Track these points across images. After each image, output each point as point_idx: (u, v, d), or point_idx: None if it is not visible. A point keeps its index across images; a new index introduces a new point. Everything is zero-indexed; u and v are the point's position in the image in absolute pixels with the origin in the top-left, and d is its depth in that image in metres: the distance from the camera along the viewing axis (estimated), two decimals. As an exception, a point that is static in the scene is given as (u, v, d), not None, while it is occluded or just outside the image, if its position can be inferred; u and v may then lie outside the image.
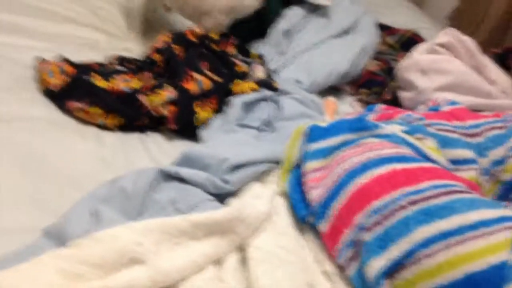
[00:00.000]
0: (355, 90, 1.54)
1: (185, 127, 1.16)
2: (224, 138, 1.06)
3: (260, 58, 1.44)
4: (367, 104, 1.43)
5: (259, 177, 0.98)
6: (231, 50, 1.40)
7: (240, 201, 0.88)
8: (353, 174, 0.84)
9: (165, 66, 1.27)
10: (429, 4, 2.62)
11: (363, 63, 1.55)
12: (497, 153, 1.00)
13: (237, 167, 0.93)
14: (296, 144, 1.00)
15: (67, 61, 1.20)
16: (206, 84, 1.19)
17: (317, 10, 1.66)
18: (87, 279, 0.67)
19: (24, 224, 0.82)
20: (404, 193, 0.77)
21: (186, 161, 0.95)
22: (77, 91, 1.10)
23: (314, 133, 0.98)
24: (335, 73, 1.46)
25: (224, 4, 1.45)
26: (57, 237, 0.75)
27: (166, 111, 1.12)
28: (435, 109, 1.17)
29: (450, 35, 1.31)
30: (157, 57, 1.29)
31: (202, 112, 1.17)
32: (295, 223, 0.90)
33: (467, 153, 1.00)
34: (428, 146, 0.97)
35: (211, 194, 0.90)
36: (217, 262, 0.79)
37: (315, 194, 0.88)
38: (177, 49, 1.29)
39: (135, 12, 1.54)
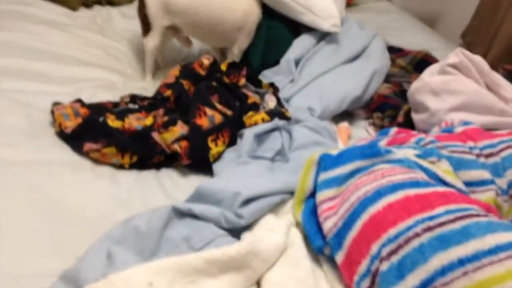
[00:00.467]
0: (369, 114, 1.54)
1: (200, 162, 1.17)
2: (237, 171, 1.07)
3: (272, 87, 1.46)
4: (382, 128, 1.43)
5: (274, 209, 0.97)
6: (243, 81, 1.42)
7: (255, 234, 0.87)
8: (366, 202, 0.83)
9: (176, 101, 1.29)
10: (441, 24, 2.62)
11: (375, 88, 1.55)
12: (514, 172, 0.98)
13: (250, 200, 0.93)
14: (309, 174, 0.99)
15: (81, 103, 1.23)
16: (217, 118, 1.20)
17: (326, 37, 1.67)
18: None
19: (43, 269, 0.83)
20: (418, 220, 0.76)
21: (199, 196, 0.96)
22: (90, 132, 1.13)
23: (325, 162, 0.97)
24: (347, 99, 1.46)
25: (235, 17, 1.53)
26: (73, 281, 0.76)
27: (178, 147, 1.14)
28: (449, 130, 1.15)
29: (461, 55, 1.30)
30: (168, 92, 1.31)
31: (215, 147, 1.18)
32: (311, 254, 0.89)
33: (484, 174, 0.98)
34: (443, 169, 0.96)
35: (225, 229, 0.90)
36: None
37: (330, 224, 0.87)
38: (186, 84, 1.31)
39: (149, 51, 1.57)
